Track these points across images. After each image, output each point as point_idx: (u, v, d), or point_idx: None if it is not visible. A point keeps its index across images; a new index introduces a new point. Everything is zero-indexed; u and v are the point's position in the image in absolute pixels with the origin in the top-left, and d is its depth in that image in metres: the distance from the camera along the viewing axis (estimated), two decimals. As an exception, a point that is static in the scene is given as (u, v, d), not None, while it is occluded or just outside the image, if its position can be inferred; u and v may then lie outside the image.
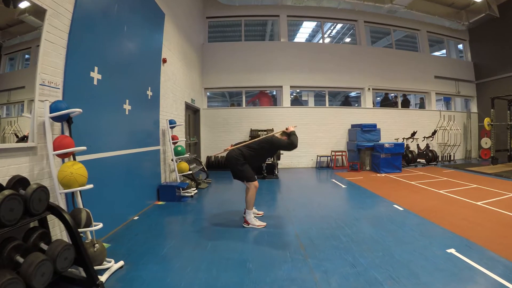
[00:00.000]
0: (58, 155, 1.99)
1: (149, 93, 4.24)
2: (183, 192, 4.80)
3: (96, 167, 2.76)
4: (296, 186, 5.82)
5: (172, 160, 4.99)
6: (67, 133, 2.14)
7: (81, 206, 2.13)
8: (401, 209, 3.78)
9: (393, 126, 8.83)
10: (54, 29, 2.11)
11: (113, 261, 2.12)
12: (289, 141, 3.15)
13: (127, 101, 3.45)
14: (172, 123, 4.99)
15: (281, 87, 8.76)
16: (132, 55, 3.59)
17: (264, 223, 3.15)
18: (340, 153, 8.29)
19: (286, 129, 3.30)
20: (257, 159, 3.27)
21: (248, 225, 3.11)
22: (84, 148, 2.09)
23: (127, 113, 3.46)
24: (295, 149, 3.16)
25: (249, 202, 3.12)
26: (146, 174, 4.20)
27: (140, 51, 3.83)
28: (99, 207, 2.76)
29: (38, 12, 1.94)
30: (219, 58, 8.68)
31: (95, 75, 2.68)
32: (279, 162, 8.22)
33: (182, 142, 5.40)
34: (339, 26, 9.83)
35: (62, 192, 1.96)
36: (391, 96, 9.74)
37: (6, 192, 1.52)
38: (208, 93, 9.16)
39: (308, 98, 9.55)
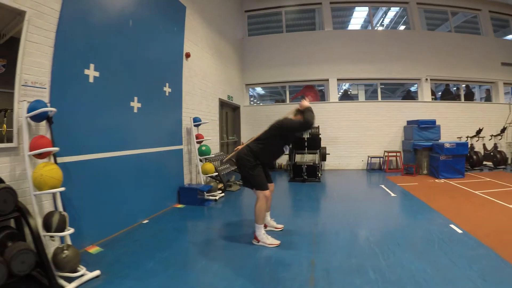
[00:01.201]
0: (34, 156, 2.19)
1: (167, 89, 4.42)
2: (207, 195, 4.87)
3: (96, 167, 3.00)
4: (337, 192, 5.47)
5: (200, 160, 5.12)
6: (48, 134, 2.34)
7: (60, 209, 2.31)
8: (459, 231, 3.09)
9: (455, 123, 8.11)
10: (38, 29, 2.33)
11: (84, 269, 2.22)
12: (303, 120, 2.73)
13: (136, 98, 3.65)
14: (196, 121, 5.11)
15: (327, 80, 8.49)
16: (142, 50, 3.77)
17: (278, 242, 2.85)
18: (394, 154, 7.84)
19: (300, 106, 2.91)
20: (269, 153, 2.99)
21: (258, 242, 2.86)
22: (56, 149, 2.24)
23: (135, 111, 3.65)
24: (310, 129, 2.85)
25: (258, 216, 2.85)
26: (165, 174, 4.40)
27: (153, 46, 4.00)
28: (100, 209, 3.00)
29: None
30: (260, 52, 8.79)
31: (91, 73, 2.89)
32: (324, 163, 7.73)
33: (208, 141, 5.49)
34: (391, 14, 9.25)
35: (36, 193, 2.15)
36: (453, 88, 9.00)
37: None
38: (258, 90, 9.29)
39: (358, 92, 9.06)
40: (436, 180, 6.19)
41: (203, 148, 5.09)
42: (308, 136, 6.98)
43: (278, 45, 8.76)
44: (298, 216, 3.99)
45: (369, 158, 7.99)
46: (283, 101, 9.38)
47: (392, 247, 2.72)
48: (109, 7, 3.13)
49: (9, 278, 1.78)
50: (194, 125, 5.10)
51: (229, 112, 7.93)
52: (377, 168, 8.11)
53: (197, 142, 5.10)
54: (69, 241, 2.28)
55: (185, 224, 3.73)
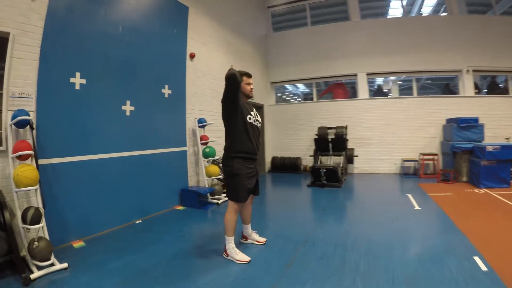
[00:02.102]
0: (17, 157, 2.73)
1: (166, 91, 4.84)
2: (211, 198, 5.18)
3: (85, 168, 3.52)
4: (352, 201, 5.33)
5: (213, 161, 5.47)
6: (30, 138, 2.88)
7: (39, 205, 2.82)
8: (483, 268, 2.51)
9: (503, 121, 7.29)
10: (23, 46, 2.87)
11: (53, 261, 2.68)
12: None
13: (128, 102, 4.12)
14: (201, 122, 5.46)
15: (356, 75, 8.19)
16: (135, 55, 4.22)
17: (247, 258, 2.75)
18: (431, 157, 7.32)
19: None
20: (237, 141, 2.79)
21: (227, 256, 2.83)
22: (29, 152, 2.73)
23: (128, 114, 4.13)
24: (234, 82, 2.58)
25: (226, 227, 2.81)
26: (166, 176, 4.83)
27: (148, 50, 4.44)
28: (88, 207, 3.52)
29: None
30: (285, 49, 8.86)
31: (77, 80, 3.40)
32: (353, 166, 7.43)
33: (216, 142, 5.79)
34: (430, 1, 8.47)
35: (16, 190, 2.68)
36: (501, 80, 8.05)
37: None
38: (301, 87, 9.38)
39: (391, 87, 8.56)
40: (476, 190, 5.58)
41: (207, 150, 5.42)
42: (333, 137, 6.80)
43: (303, 40, 8.72)
44: (290, 229, 3.78)
45: (403, 161, 7.57)
46: (311, 99, 9.25)
47: (382, 284, 2.29)
48: (94, 17, 3.61)
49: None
50: (199, 126, 5.45)
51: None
52: (412, 173, 7.65)
53: (202, 144, 5.43)
54: (44, 234, 2.78)
55: (173, 228, 3.93)
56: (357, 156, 7.55)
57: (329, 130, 7.63)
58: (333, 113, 8.23)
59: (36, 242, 2.62)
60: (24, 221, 2.66)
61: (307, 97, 9.81)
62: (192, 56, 5.41)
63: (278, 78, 9.09)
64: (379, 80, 8.69)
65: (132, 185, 4.16)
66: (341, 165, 6.37)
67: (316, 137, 7.45)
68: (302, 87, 9.94)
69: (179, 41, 5.13)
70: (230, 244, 2.83)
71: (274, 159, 8.68)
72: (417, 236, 3.46)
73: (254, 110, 3.02)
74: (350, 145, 7.66)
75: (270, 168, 8.87)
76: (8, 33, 2.73)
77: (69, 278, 2.55)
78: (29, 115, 2.80)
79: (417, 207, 4.57)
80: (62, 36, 3.23)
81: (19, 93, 2.88)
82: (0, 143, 2.77)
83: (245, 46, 7.62)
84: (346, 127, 7.44)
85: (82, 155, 3.49)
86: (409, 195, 5.34)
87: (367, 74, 8.16)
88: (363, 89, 8.14)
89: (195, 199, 4.94)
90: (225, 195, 5.43)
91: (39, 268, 2.60)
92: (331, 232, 3.59)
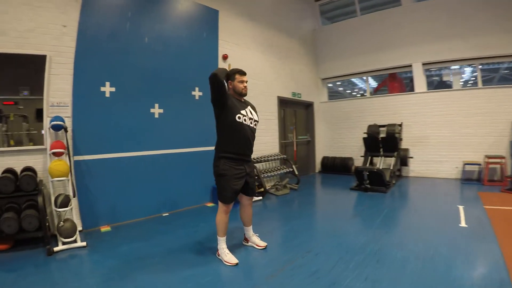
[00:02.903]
0: (53, 154, 3.56)
1: (197, 93, 5.34)
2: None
3: (114, 164, 4.27)
4: (391, 211, 4.68)
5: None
6: (64, 139, 3.70)
7: (69, 193, 3.61)
8: None
9: None
10: (59, 64, 3.73)
11: (76, 238, 3.40)
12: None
13: (156, 105, 4.76)
14: (234, 121, 5.81)
15: (410, 65, 7.34)
16: (163, 61, 4.82)
17: (235, 261, 2.84)
18: (498, 160, 6.29)
19: None
20: (226, 142, 2.87)
21: (219, 256, 2.99)
22: (61, 150, 3.52)
23: (156, 116, 4.76)
24: (215, 82, 2.68)
25: (217, 227, 2.97)
26: (198, 173, 5.34)
27: (177, 55, 5.00)
28: (117, 197, 4.26)
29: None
30: (334, 42, 8.58)
31: (107, 89, 4.17)
32: (408, 169, 6.61)
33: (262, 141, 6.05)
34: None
35: (52, 180, 3.50)
36: None
37: (4, 177, 3.19)
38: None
39: (453, 77, 7.34)
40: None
41: (238, 149, 5.71)
42: (383, 136, 6.23)
43: (352, 31, 8.30)
44: (301, 236, 3.68)
45: (464, 165, 6.68)
46: (363, 94, 8.63)
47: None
48: (120, 32, 4.33)
49: (21, 231, 3.12)
50: (232, 126, 5.79)
51: (299, 110, 8.16)
52: (475, 179, 6.66)
53: (234, 143, 5.77)
54: (72, 217, 3.54)
55: (190, 223, 4.33)
56: (412, 157, 6.69)
57: (381, 128, 6.98)
58: (386, 109, 7.60)
59: (62, 222, 3.37)
60: (55, 205, 3.45)
61: (360, 93, 9.23)
62: (225, 57, 5.80)
63: (329, 73, 8.85)
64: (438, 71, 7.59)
65: (161, 180, 4.78)
66: (391, 167, 5.76)
67: (366, 136, 6.91)
68: (355, 82, 9.36)
69: (209, 44, 5.57)
70: (221, 244, 2.97)
71: (324, 159, 8.46)
72: (447, 262, 2.74)
73: (249, 109, 3.00)
74: (404, 144, 6.89)
75: (320, 168, 8.64)
76: (44, 56, 3.58)
77: (83, 254, 3.21)
78: (63, 121, 3.63)
79: (462, 224, 3.83)
80: (92, 52, 4.01)
81: (57, 103, 3.74)
82: (42, 143, 3.63)
83: (289, 43, 7.67)
84: (400, 125, 6.67)
85: (112, 153, 4.24)
86: (460, 207, 4.57)
87: (423, 64, 7.30)
88: (419, 81, 7.23)
89: (224, 197, 5.27)
90: (258, 195, 5.64)
91: (64, 243, 3.34)
92: (343, 245, 3.32)
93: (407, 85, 7.84)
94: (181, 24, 5.15)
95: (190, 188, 5.24)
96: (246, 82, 3.01)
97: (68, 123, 3.83)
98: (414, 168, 7.25)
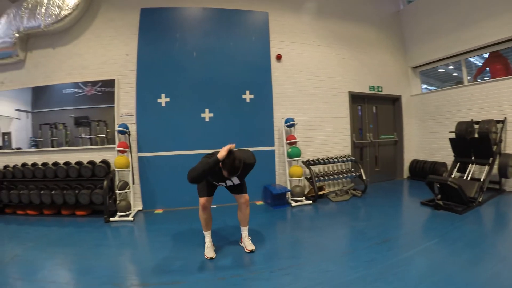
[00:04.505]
0: (118, 151, 5.23)
1: (248, 96, 6.10)
2: (291, 199, 5.85)
3: (169, 160, 5.65)
4: (444, 245, 3.39)
5: (302, 162, 6.22)
6: (126, 139, 5.31)
7: (129, 180, 5.18)
8: None
9: None
10: (125, 84, 5.40)
11: (130, 214, 4.92)
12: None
13: (207, 110, 5.84)
14: (287, 121, 6.18)
15: None
16: (211, 71, 5.87)
17: (210, 255, 3.28)
18: None
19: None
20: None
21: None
22: (124, 149, 5.11)
23: (207, 119, 5.85)
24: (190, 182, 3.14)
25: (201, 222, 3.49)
26: (250, 173, 6.10)
27: (224, 64, 5.95)
28: (171, 187, 5.64)
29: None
30: (422, 21, 7.32)
31: (163, 100, 5.58)
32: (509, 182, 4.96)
33: (330, 141, 6.22)
34: None
35: (117, 170, 5.16)
36: None
37: (85, 165, 5.05)
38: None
39: None
40: None
41: (289, 150, 6.04)
42: (474, 137, 4.95)
43: (440, 4, 6.79)
44: (289, 251, 3.51)
45: None
46: (459, 82, 6.74)
47: None
48: (171, 52, 5.69)
49: (91, 204, 4.89)
50: (286, 126, 6.18)
51: (382, 106, 7.46)
52: None
53: (287, 144, 6.13)
54: (129, 198, 5.11)
55: (223, 217, 4.99)
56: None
57: (475, 126, 5.37)
58: (486, 100, 5.89)
59: (118, 201, 4.95)
60: (116, 188, 5.08)
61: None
62: (279, 57, 6.25)
63: (420, 60, 7.53)
64: None
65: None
66: (482, 179, 4.50)
67: (453, 136, 5.55)
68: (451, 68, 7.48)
69: (260, 47, 6.20)
70: (206, 238, 3.49)
71: (413, 163, 7.35)
72: None
73: (234, 178, 3.39)
74: (508, 149, 5.04)
75: (410, 173, 7.48)
76: (113, 80, 5.30)
77: (127, 226, 4.71)
78: (126, 127, 5.25)
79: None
80: (149, 71, 5.55)
81: (125, 113, 5.43)
82: (114, 143, 5.37)
83: (363, 32, 7.17)
84: (501, 121, 4.91)
85: (167, 151, 5.63)
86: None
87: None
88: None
89: (269, 197, 5.78)
90: (309, 198, 5.80)
91: (120, 216, 4.91)
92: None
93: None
94: (228, 33, 6.06)
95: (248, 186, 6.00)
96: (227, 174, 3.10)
97: (133, 128, 5.47)
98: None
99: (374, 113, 7.47)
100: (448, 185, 4.51)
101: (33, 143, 5.66)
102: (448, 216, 4.39)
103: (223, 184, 3.41)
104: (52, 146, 5.64)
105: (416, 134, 7.73)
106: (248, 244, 3.51)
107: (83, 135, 5.59)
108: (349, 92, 6.87)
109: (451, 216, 4.38)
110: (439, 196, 4.69)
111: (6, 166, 5.52)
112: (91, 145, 5.57)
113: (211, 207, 3.54)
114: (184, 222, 4.72)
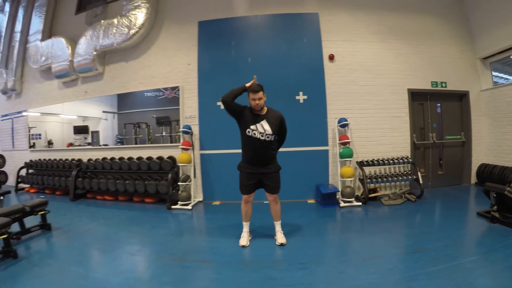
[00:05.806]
0: (182, 149, 6.23)
1: (301, 97, 6.56)
2: (342, 199, 6.16)
3: (229, 157, 6.47)
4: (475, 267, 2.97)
5: (356, 162, 6.46)
6: (189, 138, 6.30)
7: (190, 174, 6.15)
8: None
9: None
10: (188, 90, 6.39)
11: (190, 203, 5.88)
12: None
13: (259, 112, 6.51)
14: (340, 121, 6.46)
15: None
16: (264, 75, 6.41)
17: (244, 243, 3.82)
18: None
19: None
20: (243, 151, 3.97)
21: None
22: (186, 146, 6.11)
23: (259, 121, 6.51)
24: (224, 107, 3.79)
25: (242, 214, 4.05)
26: (303, 171, 6.54)
27: (276, 68, 6.46)
28: (229, 182, 6.43)
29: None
30: (490, 1, 6.70)
31: (219, 103, 6.45)
32: None
33: (387, 141, 6.41)
34: None
35: (180, 165, 6.18)
36: None
37: (153, 160, 6.19)
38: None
39: None
40: None
41: (341, 150, 6.31)
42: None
43: None
44: (306, 251, 3.63)
45: None
46: None
47: None
48: (227, 60, 6.43)
49: (157, 193, 5.98)
50: (339, 126, 6.47)
51: (447, 103, 7.04)
52: None
53: (340, 144, 6.42)
54: (190, 190, 6.07)
55: (261, 215, 4.99)
56: None
57: None
58: None
59: (180, 192, 5.96)
60: (179, 180, 6.10)
61: None
62: (331, 57, 6.56)
63: (488, 49, 6.79)
64: None
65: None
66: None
67: None
68: None
69: (312, 48, 6.54)
70: (244, 228, 4.04)
71: (481, 167, 6.65)
72: None
73: (262, 123, 3.71)
74: None
75: (477, 179, 6.84)
76: (178, 86, 6.36)
77: (185, 214, 5.60)
78: (189, 128, 6.24)
79: None
80: (209, 78, 6.44)
81: (189, 115, 6.44)
82: (178, 141, 6.42)
83: (421, 23, 6.84)
84: None
85: (225, 149, 6.44)
86: None
87: None
88: None
89: (320, 196, 6.15)
90: (358, 199, 6.00)
91: (180, 205, 5.88)
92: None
93: None
94: (280, 37, 6.57)
95: (295, 184, 6.48)
96: (259, 99, 3.68)
97: (196, 128, 6.43)
98: None
99: (438, 111, 7.14)
100: (504, 194, 4.29)
101: (118, 140, 7.14)
102: (503, 231, 3.94)
103: (255, 131, 3.65)
104: (136, 143, 7.02)
105: (487, 134, 7.07)
106: (280, 237, 3.88)
107: (164, 133, 6.84)
108: (408, 89, 6.73)
109: (507, 231, 3.90)
110: (495, 207, 4.44)
111: (89, 160, 7.16)
112: (171, 142, 6.75)
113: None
114: (235, 215, 5.09)
